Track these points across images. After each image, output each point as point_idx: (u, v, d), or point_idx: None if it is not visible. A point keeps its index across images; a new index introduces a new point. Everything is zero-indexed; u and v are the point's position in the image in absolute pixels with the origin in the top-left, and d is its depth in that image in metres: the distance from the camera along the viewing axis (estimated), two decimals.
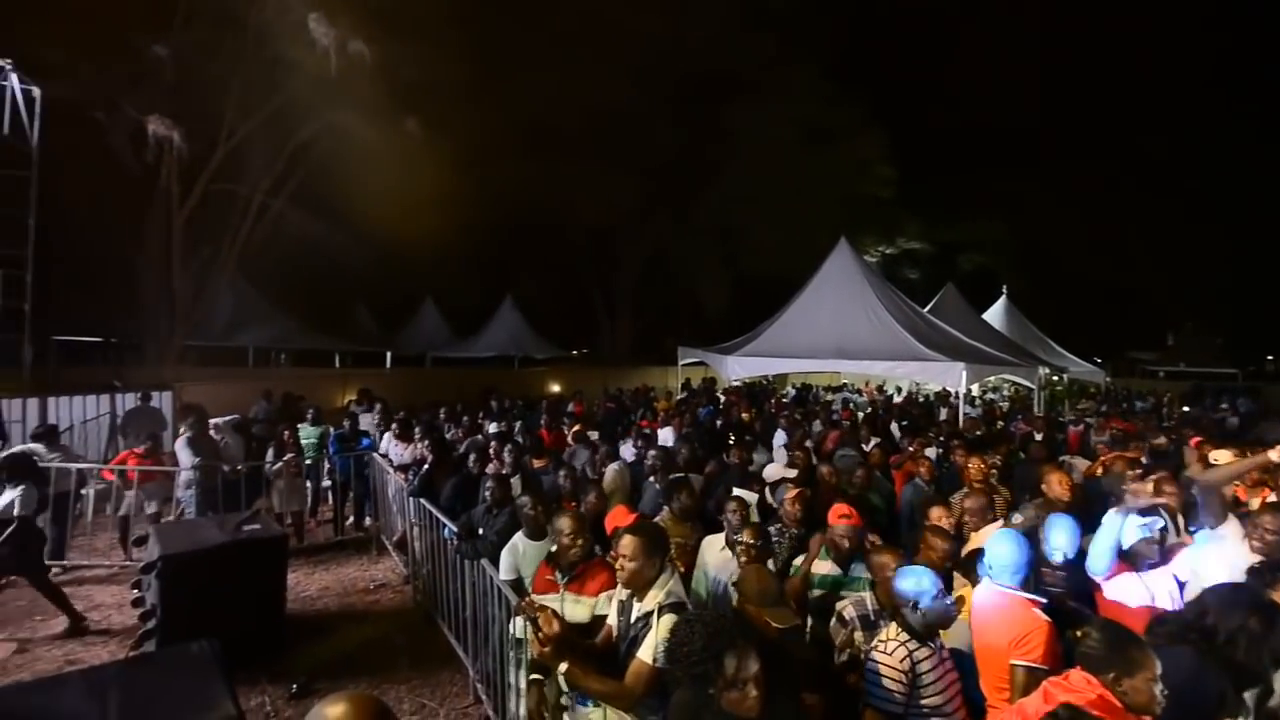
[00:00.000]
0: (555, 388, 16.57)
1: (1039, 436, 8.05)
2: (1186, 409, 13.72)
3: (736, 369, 12.91)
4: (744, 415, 10.22)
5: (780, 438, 7.14)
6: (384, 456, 6.78)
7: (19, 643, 4.62)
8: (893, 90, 24.29)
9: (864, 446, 6.47)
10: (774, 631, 2.29)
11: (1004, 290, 20.05)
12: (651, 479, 4.84)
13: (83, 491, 6.47)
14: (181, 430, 6.31)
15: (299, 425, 7.24)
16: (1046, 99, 27.41)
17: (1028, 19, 24.82)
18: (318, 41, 12.42)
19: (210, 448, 6.29)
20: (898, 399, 15.10)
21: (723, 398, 13.21)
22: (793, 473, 4.71)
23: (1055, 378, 15.84)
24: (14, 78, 7.05)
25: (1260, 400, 16.87)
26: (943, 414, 11.60)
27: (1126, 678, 1.78)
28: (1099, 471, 6.04)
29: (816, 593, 3.29)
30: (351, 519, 7.10)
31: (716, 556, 3.53)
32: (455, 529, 4.23)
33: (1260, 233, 26.90)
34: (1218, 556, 2.87)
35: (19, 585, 5.62)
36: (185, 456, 5.99)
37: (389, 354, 20.23)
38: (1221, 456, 5.32)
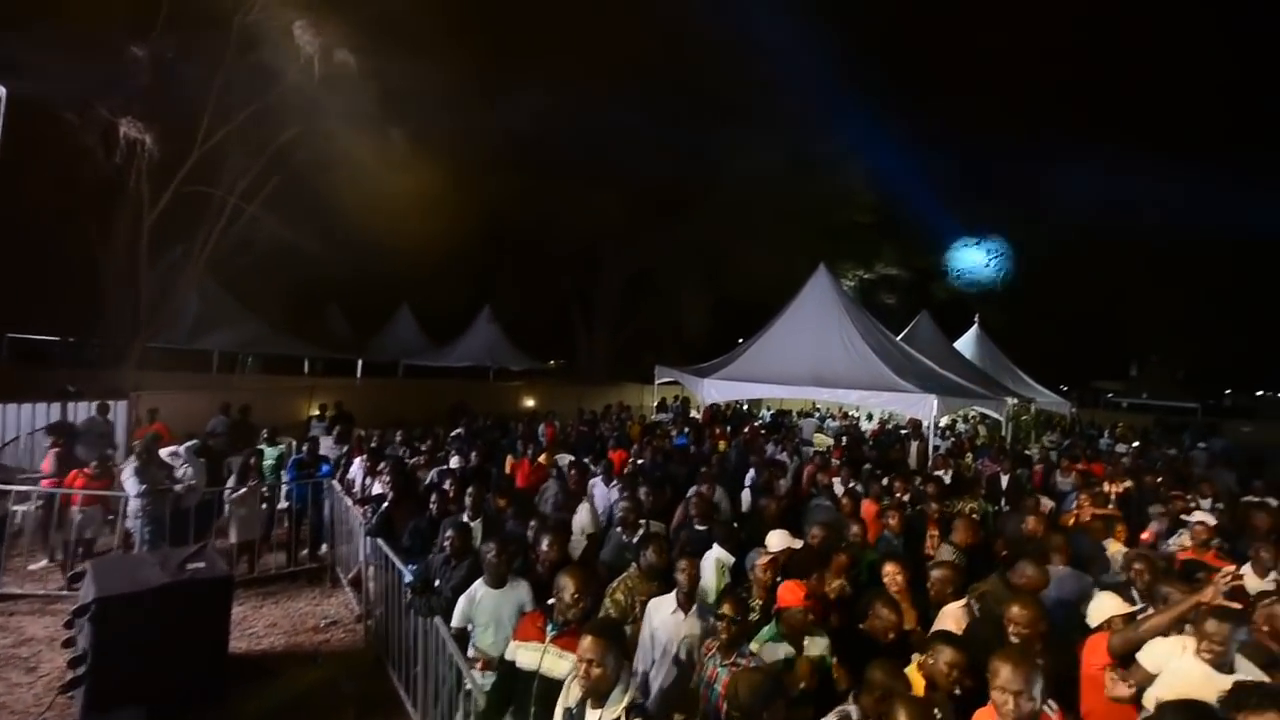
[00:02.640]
0: (529, 402, 16.38)
1: (1005, 478, 8.14)
2: (1136, 445, 13.85)
3: (712, 391, 12.89)
4: (720, 444, 10.18)
5: (751, 477, 7.06)
6: (351, 482, 6.59)
7: None
8: (877, 120, 24.85)
9: (837, 492, 6.41)
10: None
11: (976, 319, 20.46)
12: (619, 530, 4.70)
13: (16, 509, 6.13)
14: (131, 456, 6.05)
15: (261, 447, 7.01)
16: (1024, 134, 28.29)
17: (1010, 57, 25.50)
18: (302, 48, 12.22)
19: (159, 475, 6.02)
20: (868, 424, 15.22)
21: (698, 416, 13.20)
22: (798, 543, 4.22)
23: (1022, 408, 16.10)
24: None
25: (1221, 436, 17.35)
26: (913, 447, 11.64)
27: None
28: (1072, 522, 6.05)
29: None
30: (306, 549, 6.87)
31: (667, 620, 3.33)
32: (411, 578, 4.08)
33: (1223, 268, 28.13)
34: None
35: None
36: (131, 485, 5.73)
37: (360, 361, 19.82)
38: (1203, 516, 5.24)
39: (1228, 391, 38.40)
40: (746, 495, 6.81)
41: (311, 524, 6.71)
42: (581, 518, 5.19)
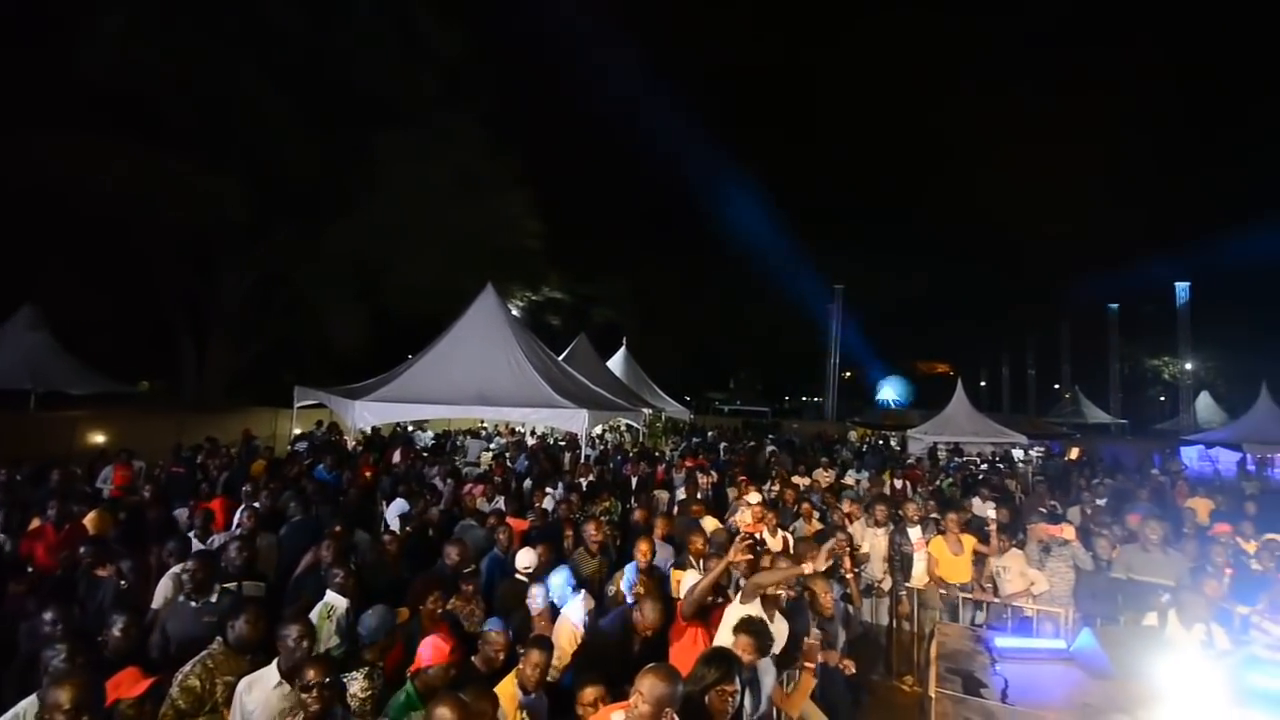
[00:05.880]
0: (98, 438, 12.17)
1: (634, 480, 9.43)
2: (724, 444, 17.65)
3: (366, 415, 11.71)
4: (366, 474, 9.21)
5: (399, 507, 6.54)
6: None
7: None
8: (543, 153, 26.82)
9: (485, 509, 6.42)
10: None
11: (624, 341, 23.60)
12: (188, 600, 3.71)
13: None
14: None
15: None
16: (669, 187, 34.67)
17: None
18: None
19: None
20: (531, 440, 15.97)
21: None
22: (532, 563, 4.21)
23: (655, 417, 19.10)
24: None
25: (784, 434, 23.71)
26: (567, 458, 12.64)
27: None
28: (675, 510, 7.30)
29: None
30: None
31: (267, 697, 2.81)
32: None
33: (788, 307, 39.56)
34: None
35: None
36: None
37: None
38: (753, 498, 6.94)
39: (787, 398, 53.09)
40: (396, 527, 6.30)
41: None
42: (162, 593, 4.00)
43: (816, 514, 6.49)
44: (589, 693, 2.74)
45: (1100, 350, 37.06)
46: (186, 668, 3.03)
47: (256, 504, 6.03)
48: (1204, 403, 33.28)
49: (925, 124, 53.85)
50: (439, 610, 3.52)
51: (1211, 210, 43.43)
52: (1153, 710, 2.81)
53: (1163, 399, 43.04)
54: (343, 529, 4.91)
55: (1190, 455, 19.22)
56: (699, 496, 7.50)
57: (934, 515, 6.54)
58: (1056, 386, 42.25)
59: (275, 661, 2.95)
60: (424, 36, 19.42)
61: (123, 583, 4.18)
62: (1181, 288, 31.15)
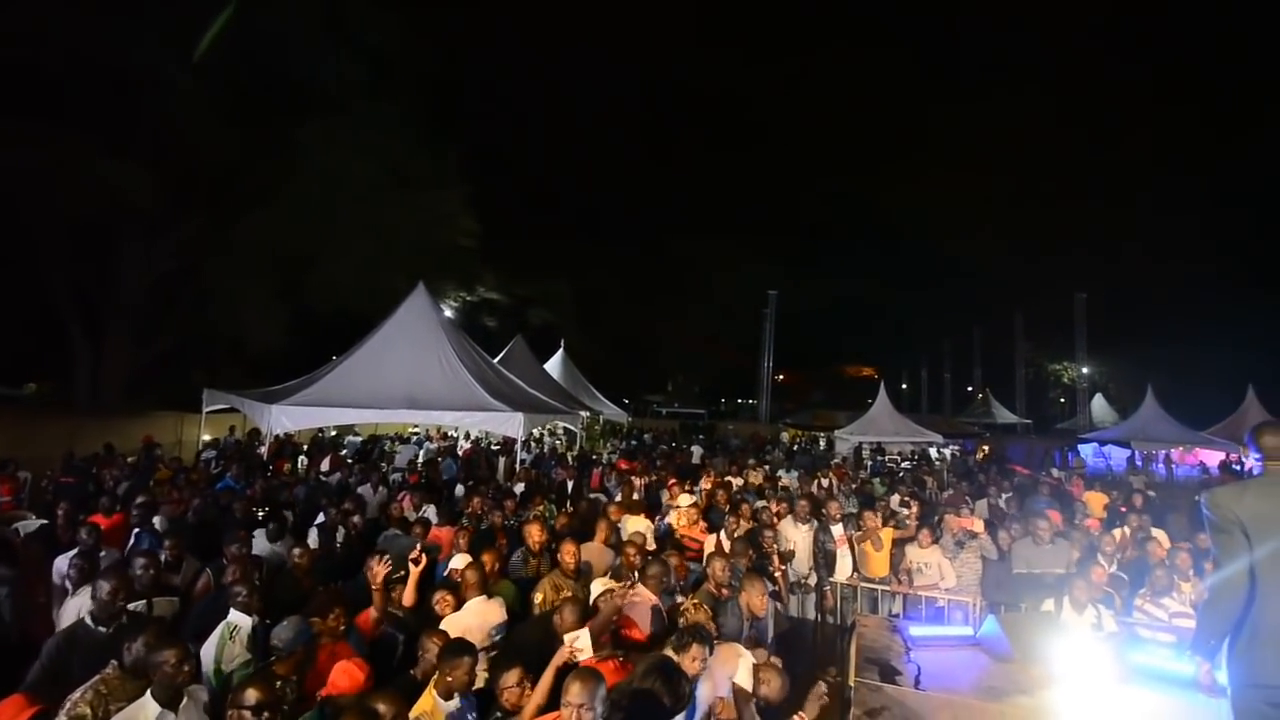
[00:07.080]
0: None
1: (570, 483, 9.36)
2: (663, 447, 17.87)
3: (283, 419, 11.05)
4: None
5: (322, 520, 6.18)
6: None
7: None
8: (481, 150, 26.24)
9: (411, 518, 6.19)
10: None
11: (562, 344, 23.41)
12: (91, 622, 3.38)
13: None
14: None
15: None
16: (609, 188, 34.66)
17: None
18: None
19: None
20: (465, 444, 15.57)
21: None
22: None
23: (593, 420, 19.03)
24: None
25: (719, 436, 24.19)
26: (501, 462, 12.39)
27: None
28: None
29: None
30: None
31: None
32: None
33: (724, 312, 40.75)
34: None
35: None
36: None
37: None
38: (684, 500, 7.04)
39: (723, 400, 54.22)
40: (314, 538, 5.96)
41: None
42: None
43: (750, 512, 6.62)
44: (510, 676, 2.75)
45: (1008, 355, 39.86)
46: (76, 694, 2.80)
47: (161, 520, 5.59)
48: (1098, 404, 36.35)
49: (857, 146, 56.77)
50: (341, 627, 3.37)
51: (1106, 231, 47.98)
52: (1049, 689, 3.03)
53: (1063, 400, 46.74)
54: (241, 546, 4.63)
55: (1086, 452, 21.01)
56: (634, 498, 7.51)
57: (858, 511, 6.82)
58: (970, 388, 45.14)
59: (149, 691, 2.71)
60: (352, 19, 18.53)
61: None
62: (1079, 299, 33.90)
